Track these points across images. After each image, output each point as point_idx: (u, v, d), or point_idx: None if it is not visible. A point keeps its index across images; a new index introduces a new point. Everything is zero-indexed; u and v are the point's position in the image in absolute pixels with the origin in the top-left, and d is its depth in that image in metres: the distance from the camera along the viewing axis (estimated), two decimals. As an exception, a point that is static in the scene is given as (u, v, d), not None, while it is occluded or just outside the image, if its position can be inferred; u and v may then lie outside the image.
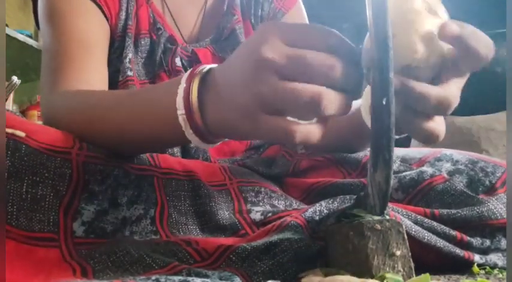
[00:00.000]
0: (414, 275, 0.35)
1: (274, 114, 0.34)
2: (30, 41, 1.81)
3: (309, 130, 0.34)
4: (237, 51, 0.38)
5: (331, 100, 0.33)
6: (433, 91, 0.37)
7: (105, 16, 0.66)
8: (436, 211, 0.49)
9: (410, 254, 0.36)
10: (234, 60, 0.37)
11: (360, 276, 0.34)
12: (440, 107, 0.37)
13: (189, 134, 0.40)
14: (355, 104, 0.58)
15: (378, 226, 0.36)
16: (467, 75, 0.39)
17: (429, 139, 0.39)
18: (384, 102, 0.33)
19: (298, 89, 0.33)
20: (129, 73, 0.66)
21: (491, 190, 0.51)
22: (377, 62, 0.34)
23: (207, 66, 0.40)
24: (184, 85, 0.39)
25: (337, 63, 0.33)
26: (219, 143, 0.43)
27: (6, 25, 1.72)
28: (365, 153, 0.63)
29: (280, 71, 0.33)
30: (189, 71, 0.40)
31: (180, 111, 0.39)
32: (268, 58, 0.33)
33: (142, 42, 0.69)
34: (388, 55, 0.33)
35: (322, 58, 0.33)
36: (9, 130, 0.41)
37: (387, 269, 0.35)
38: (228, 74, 0.38)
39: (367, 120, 0.52)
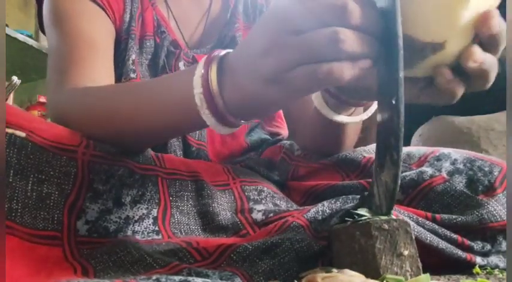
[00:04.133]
0: (422, 274, 0.35)
1: (298, 67, 0.34)
2: (30, 41, 1.81)
3: (341, 68, 0.34)
4: (253, 28, 0.39)
5: (348, 36, 0.33)
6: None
7: (109, 18, 0.66)
8: (437, 216, 0.49)
9: (417, 253, 0.36)
10: (251, 35, 0.38)
11: (366, 276, 0.34)
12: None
13: (205, 114, 0.40)
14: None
15: (386, 226, 0.35)
16: None
17: (448, 98, 0.38)
18: (394, 102, 0.33)
19: (314, 36, 0.33)
20: (132, 75, 0.66)
21: (490, 190, 0.51)
22: (387, 61, 0.34)
23: (223, 51, 0.41)
24: (202, 70, 0.40)
25: (350, 2, 0.33)
26: (235, 129, 0.43)
27: (6, 25, 1.72)
28: (363, 155, 0.63)
29: (295, 27, 0.34)
30: (205, 57, 0.41)
31: (197, 89, 0.39)
32: (285, 19, 0.34)
33: (148, 44, 0.69)
34: (398, 54, 0.33)
35: (333, 1, 0.33)
36: (9, 130, 0.41)
37: (395, 268, 0.35)
38: (245, 51, 0.38)
39: (322, 108, 0.55)
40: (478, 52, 0.35)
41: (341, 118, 0.55)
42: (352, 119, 0.56)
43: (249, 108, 0.40)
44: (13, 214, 0.39)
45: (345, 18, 0.33)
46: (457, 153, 0.56)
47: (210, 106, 0.39)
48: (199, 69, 0.40)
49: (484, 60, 0.35)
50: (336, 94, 0.53)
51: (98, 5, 0.65)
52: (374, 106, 0.56)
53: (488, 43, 0.35)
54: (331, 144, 0.64)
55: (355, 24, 0.33)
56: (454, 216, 0.49)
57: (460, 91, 0.37)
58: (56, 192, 0.42)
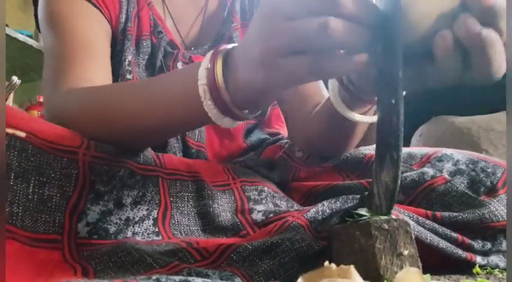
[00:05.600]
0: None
1: (291, 56, 0.35)
2: (30, 41, 1.81)
3: (333, 60, 0.34)
4: (253, 17, 0.39)
5: (338, 26, 0.33)
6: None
7: (105, 18, 0.66)
8: (437, 213, 0.49)
9: (418, 253, 0.36)
10: (250, 24, 0.39)
11: (366, 276, 0.34)
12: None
13: (207, 105, 0.40)
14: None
15: (386, 225, 0.35)
16: None
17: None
18: (393, 101, 0.33)
19: (304, 23, 0.33)
20: (129, 76, 0.65)
21: (492, 191, 0.50)
22: (386, 60, 0.34)
23: (229, 46, 0.41)
24: (209, 64, 0.40)
25: None
26: (238, 123, 0.43)
27: (6, 25, 1.72)
28: (364, 153, 0.63)
29: (287, 13, 0.34)
30: (211, 51, 0.41)
31: (202, 81, 0.40)
32: (278, 4, 0.34)
33: (144, 44, 0.69)
34: (397, 55, 0.33)
35: None
36: (9, 130, 0.41)
37: (395, 268, 0.35)
38: (244, 41, 0.39)
39: (336, 103, 0.53)
40: (470, 21, 0.33)
41: (353, 116, 0.53)
42: (364, 119, 0.54)
43: (248, 95, 0.40)
44: (14, 218, 0.39)
45: (336, 7, 0.33)
46: (460, 154, 0.56)
47: (213, 98, 0.40)
48: (206, 63, 0.40)
49: (481, 31, 0.33)
50: (348, 88, 0.51)
51: (94, 5, 0.64)
52: None
53: (481, 15, 0.33)
54: (336, 143, 0.64)
55: (346, 13, 0.33)
56: (454, 214, 0.49)
57: (459, 65, 0.35)
58: (58, 195, 0.42)
